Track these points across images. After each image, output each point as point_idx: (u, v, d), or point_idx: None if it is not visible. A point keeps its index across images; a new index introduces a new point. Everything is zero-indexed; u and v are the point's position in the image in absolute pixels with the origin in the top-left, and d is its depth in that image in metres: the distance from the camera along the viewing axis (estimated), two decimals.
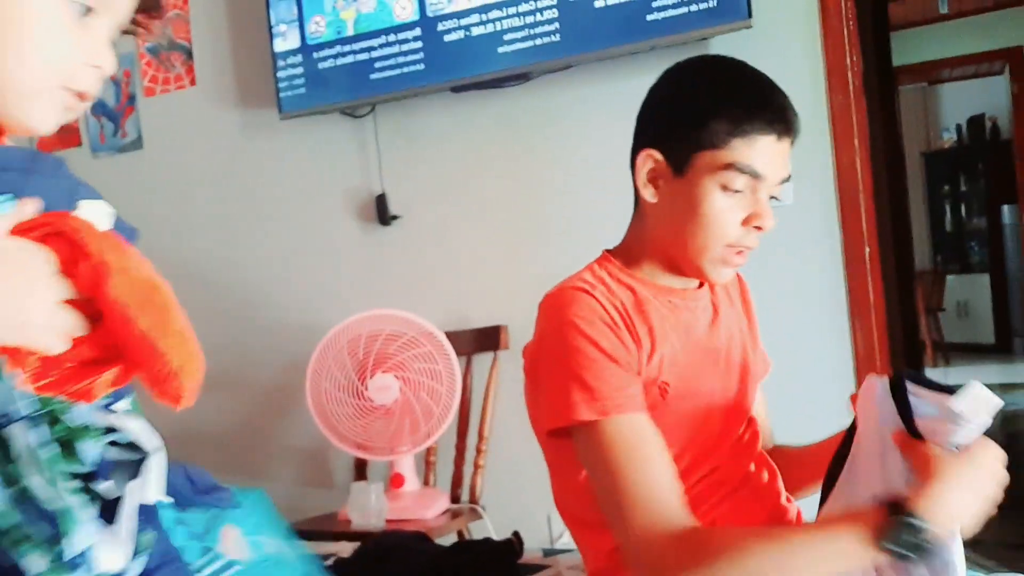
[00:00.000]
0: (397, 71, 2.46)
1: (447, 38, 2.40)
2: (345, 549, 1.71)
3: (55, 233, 0.66)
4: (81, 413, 0.66)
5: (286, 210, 2.76)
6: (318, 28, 2.55)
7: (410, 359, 2.23)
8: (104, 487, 0.65)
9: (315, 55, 2.55)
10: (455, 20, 2.39)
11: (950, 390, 0.94)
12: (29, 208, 0.67)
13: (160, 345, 0.66)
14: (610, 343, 1.02)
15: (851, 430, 1.05)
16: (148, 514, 0.68)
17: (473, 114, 2.51)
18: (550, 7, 2.28)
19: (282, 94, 2.59)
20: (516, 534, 1.71)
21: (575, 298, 1.05)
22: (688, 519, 0.97)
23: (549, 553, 1.84)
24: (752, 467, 1.17)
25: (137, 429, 0.68)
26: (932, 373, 5.66)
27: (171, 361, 0.67)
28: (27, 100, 0.73)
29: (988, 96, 7.01)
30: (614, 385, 1.00)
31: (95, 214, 0.72)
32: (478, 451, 2.32)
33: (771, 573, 0.92)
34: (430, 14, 2.41)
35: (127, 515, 0.65)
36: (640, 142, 1.11)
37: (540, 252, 2.46)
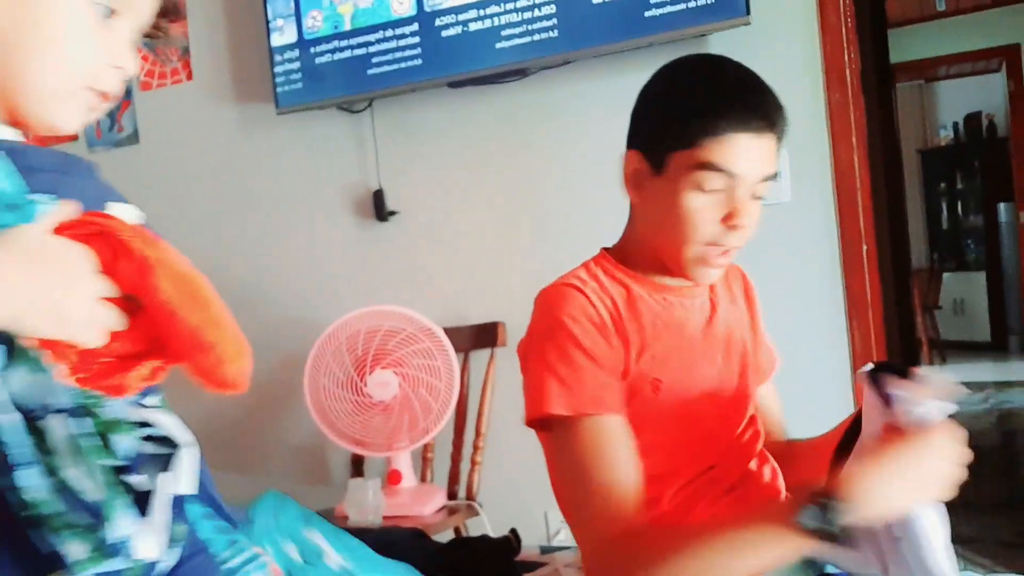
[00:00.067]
0: (394, 66, 2.45)
1: (444, 33, 2.39)
2: None
3: (96, 232, 0.69)
4: (115, 407, 0.68)
5: (283, 205, 2.75)
6: (315, 23, 2.54)
7: (409, 355, 2.23)
8: (137, 480, 0.67)
9: (312, 50, 2.55)
10: (453, 15, 2.38)
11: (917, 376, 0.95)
12: (69, 208, 0.70)
13: (208, 336, 0.70)
14: (594, 343, 1.04)
15: (859, 414, 1.05)
16: (177, 506, 0.70)
17: (471, 110, 2.50)
18: (548, 3, 2.28)
19: (279, 89, 2.58)
20: (513, 531, 1.71)
21: (565, 295, 1.07)
22: (644, 526, 0.99)
23: (546, 550, 1.84)
24: (753, 465, 1.16)
25: (169, 424, 0.71)
26: (928, 371, 5.65)
27: (220, 350, 0.70)
28: (52, 100, 0.76)
29: (985, 94, 7.02)
30: (590, 385, 1.02)
31: (125, 216, 0.74)
32: (475, 448, 2.32)
33: (705, 570, 0.93)
34: (427, 9, 2.41)
35: (160, 506, 0.67)
36: (628, 143, 1.13)
37: (538, 248, 2.45)
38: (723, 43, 2.16)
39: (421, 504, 2.21)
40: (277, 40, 2.58)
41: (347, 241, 2.67)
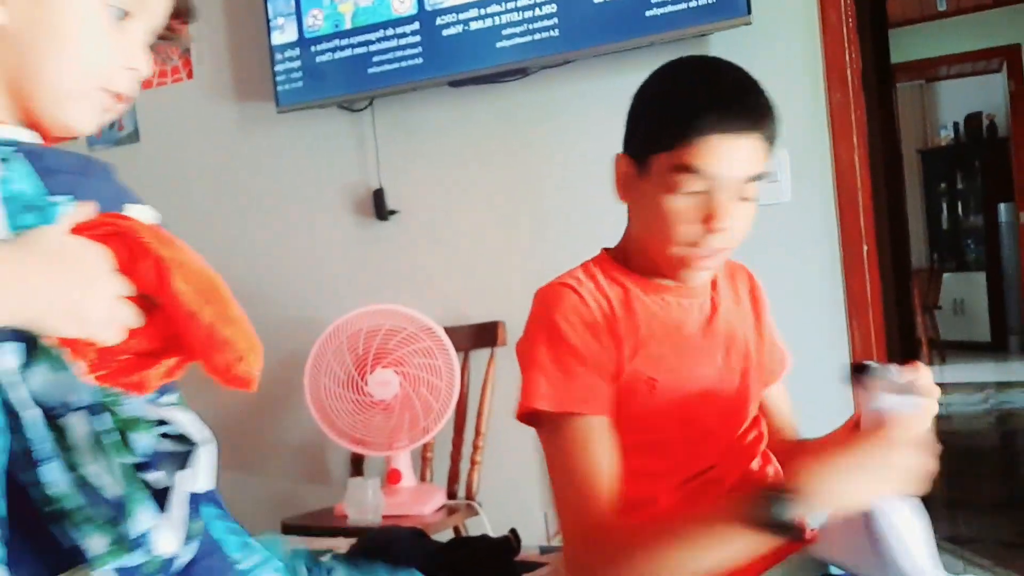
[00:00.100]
0: (395, 65, 2.45)
1: (445, 32, 2.39)
2: (342, 545, 1.71)
3: (113, 233, 0.70)
4: (134, 405, 0.70)
5: (283, 204, 2.75)
6: (316, 21, 2.54)
7: (410, 354, 2.23)
8: (154, 477, 0.68)
9: (313, 48, 2.54)
10: (453, 14, 2.38)
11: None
12: (87, 209, 0.71)
13: (225, 334, 0.71)
14: (584, 343, 1.05)
15: None
16: (194, 503, 0.71)
17: (471, 109, 2.50)
18: (549, 2, 2.28)
19: (279, 87, 2.58)
20: (513, 531, 1.71)
21: (559, 294, 1.09)
22: (613, 523, 1.00)
23: (546, 550, 1.84)
24: (755, 466, 1.16)
25: (187, 421, 0.72)
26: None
27: (237, 348, 0.72)
28: (68, 102, 0.78)
29: (985, 94, 7.02)
30: (576, 385, 1.04)
31: (142, 217, 0.76)
32: (475, 447, 2.32)
33: (671, 564, 0.94)
34: (428, 8, 2.41)
35: (179, 502, 0.69)
36: (622, 146, 1.14)
37: (538, 248, 2.45)
38: (724, 43, 2.16)
39: (420, 503, 2.21)
40: (278, 39, 2.58)
41: (347, 240, 2.67)
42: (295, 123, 2.68)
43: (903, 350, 3.27)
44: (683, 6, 2.15)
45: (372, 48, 2.47)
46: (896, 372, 0.95)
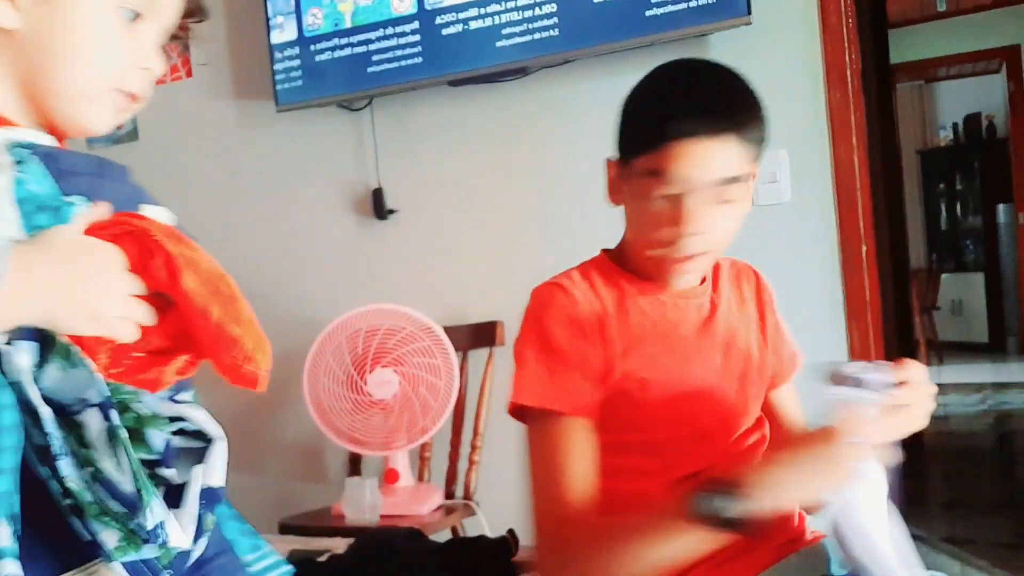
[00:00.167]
0: (395, 64, 2.45)
1: (445, 32, 2.39)
2: (339, 545, 1.71)
3: (126, 233, 0.72)
4: (149, 402, 0.71)
5: (282, 203, 2.75)
6: (315, 20, 2.54)
7: (409, 354, 2.22)
8: (169, 473, 0.70)
9: (312, 47, 2.54)
10: (453, 13, 2.38)
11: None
12: (101, 210, 0.73)
13: (234, 332, 0.73)
14: (570, 344, 1.07)
15: None
16: (207, 499, 0.72)
17: (471, 108, 2.50)
18: (549, 2, 2.28)
19: (279, 86, 2.58)
20: (511, 531, 1.70)
21: (551, 295, 1.11)
22: (579, 518, 1.02)
23: None
24: None
25: (201, 418, 0.73)
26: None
27: (246, 347, 0.74)
28: (82, 102, 0.80)
29: (984, 94, 7.03)
30: (559, 385, 1.06)
31: (157, 217, 0.78)
32: (473, 447, 2.32)
33: (623, 560, 0.97)
34: (428, 7, 2.40)
35: (192, 498, 0.70)
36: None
37: (537, 248, 2.45)
38: (724, 43, 2.16)
39: (418, 503, 2.20)
40: (277, 37, 2.58)
41: (346, 239, 2.67)
42: (294, 122, 2.67)
43: (901, 350, 3.28)
44: (683, 6, 2.15)
45: (372, 47, 2.47)
46: (856, 367, 0.94)
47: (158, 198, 0.84)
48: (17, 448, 0.65)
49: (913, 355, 4.13)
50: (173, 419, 0.72)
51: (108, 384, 0.68)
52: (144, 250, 0.71)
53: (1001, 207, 6.89)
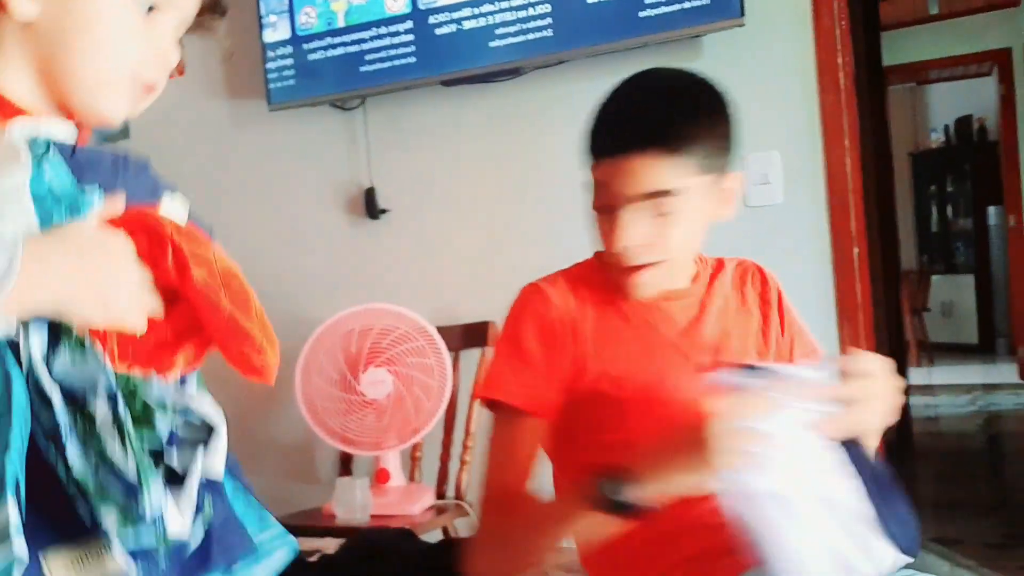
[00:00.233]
0: (388, 64, 2.45)
1: (438, 31, 2.39)
2: (330, 545, 1.70)
3: (139, 226, 0.73)
4: (157, 391, 0.73)
5: (274, 202, 2.74)
6: (309, 19, 2.53)
7: (402, 353, 2.22)
8: (173, 460, 0.72)
9: (305, 46, 2.54)
10: (447, 13, 2.37)
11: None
12: (116, 203, 0.75)
13: (245, 326, 0.75)
14: (537, 345, 1.11)
15: None
16: (208, 486, 0.75)
17: (464, 108, 2.50)
18: (542, 2, 2.28)
19: (271, 85, 2.57)
20: None
21: (525, 296, 1.16)
22: (506, 501, 1.10)
23: None
24: None
25: (207, 408, 0.76)
26: (916, 373, 5.69)
27: (256, 340, 0.76)
28: (100, 91, 0.81)
29: (976, 97, 7.06)
30: (518, 381, 1.11)
31: (175, 209, 0.81)
32: (464, 447, 2.32)
33: (528, 539, 1.03)
34: (421, 7, 2.40)
35: (192, 485, 0.72)
36: None
37: (529, 248, 2.45)
38: (717, 45, 2.16)
39: (409, 503, 2.20)
40: (270, 36, 2.57)
41: (338, 239, 2.66)
42: (287, 121, 2.67)
43: (891, 352, 3.28)
44: (676, 7, 2.15)
45: (365, 47, 2.47)
46: (794, 365, 0.96)
47: None
48: (25, 430, 0.66)
49: (903, 356, 4.15)
50: (180, 408, 0.74)
51: (119, 372, 0.70)
52: (155, 244, 0.73)
53: (992, 209, 6.92)
